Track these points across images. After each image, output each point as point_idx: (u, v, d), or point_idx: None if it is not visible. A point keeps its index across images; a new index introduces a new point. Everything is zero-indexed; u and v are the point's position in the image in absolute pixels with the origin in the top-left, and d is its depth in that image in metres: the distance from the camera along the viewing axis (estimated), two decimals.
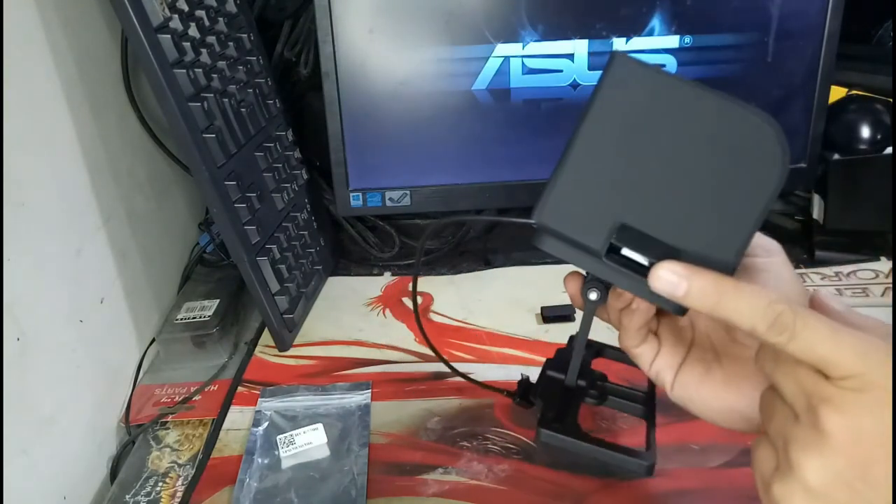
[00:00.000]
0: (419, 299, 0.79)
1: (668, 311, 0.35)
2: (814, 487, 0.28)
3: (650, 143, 0.33)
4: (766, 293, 0.31)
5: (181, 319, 0.73)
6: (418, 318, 0.49)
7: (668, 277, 0.32)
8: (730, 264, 0.32)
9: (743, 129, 0.32)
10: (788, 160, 0.32)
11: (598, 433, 0.54)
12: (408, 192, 0.81)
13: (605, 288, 0.38)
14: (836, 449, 0.28)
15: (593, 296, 0.37)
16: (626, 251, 0.34)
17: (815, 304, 0.35)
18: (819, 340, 0.29)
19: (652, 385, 0.45)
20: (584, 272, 0.38)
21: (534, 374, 0.49)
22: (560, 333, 0.70)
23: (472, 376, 0.56)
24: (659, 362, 0.40)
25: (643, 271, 0.33)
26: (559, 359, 0.45)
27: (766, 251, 0.37)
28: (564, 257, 0.35)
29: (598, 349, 0.48)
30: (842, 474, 0.28)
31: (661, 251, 0.33)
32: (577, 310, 0.52)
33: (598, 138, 0.34)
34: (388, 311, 0.78)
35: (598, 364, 0.47)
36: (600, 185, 0.34)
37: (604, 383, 0.45)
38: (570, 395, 0.42)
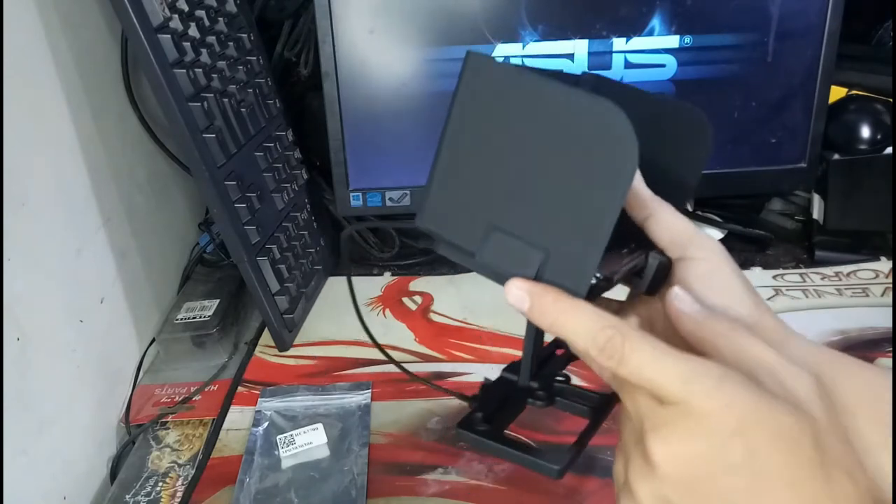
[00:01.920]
0: (419, 299, 0.79)
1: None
2: None
3: (510, 140, 0.33)
4: (600, 316, 0.30)
5: (181, 319, 0.73)
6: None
7: (515, 293, 0.32)
8: (593, 257, 0.31)
9: (592, 118, 0.31)
10: (637, 145, 0.30)
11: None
12: (408, 192, 0.81)
13: None
14: (662, 479, 0.29)
15: None
16: (488, 259, 0.33)
17: (670, 310, 0.33)
18: (645, 365, 0.29)
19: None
20: None
21: None
22: None
23: (470, 376, 0.56)
24: None
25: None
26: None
27: (706, 249, 0.35)
28: (456, 259, 0.35)
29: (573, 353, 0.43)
30: (669, 498, 0.29)
31: (527, 252, 0.32)
32: None
33: (461, 139, 0.34)
34: (388, 311, 0.78)
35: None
36: (470, 187, 0.34)
37: (560, 385, 0.42)
38: (516, 396, 0.40)
